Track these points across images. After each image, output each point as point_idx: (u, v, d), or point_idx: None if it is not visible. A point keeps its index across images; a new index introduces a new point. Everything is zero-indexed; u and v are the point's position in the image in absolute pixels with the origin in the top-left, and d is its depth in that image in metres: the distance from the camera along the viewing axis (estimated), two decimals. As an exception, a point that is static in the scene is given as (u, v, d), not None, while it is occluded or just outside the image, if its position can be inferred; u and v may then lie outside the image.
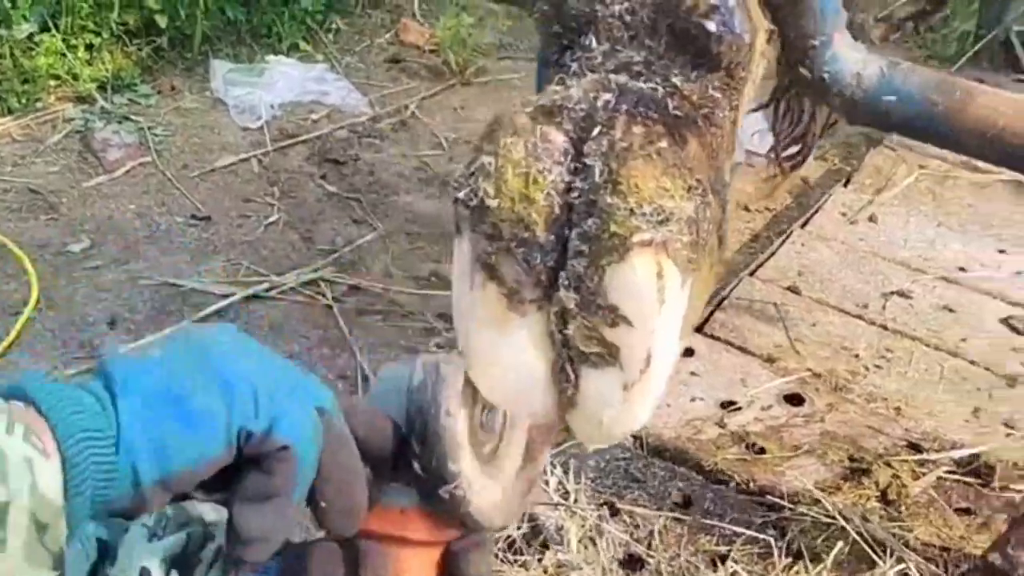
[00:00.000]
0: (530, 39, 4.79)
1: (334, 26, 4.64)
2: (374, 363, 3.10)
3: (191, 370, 0.92)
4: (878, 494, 2.66)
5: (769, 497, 2.62)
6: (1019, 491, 2.72)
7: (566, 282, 1.12)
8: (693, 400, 2.88)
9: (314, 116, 4.16)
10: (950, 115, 1.19)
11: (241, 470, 0.93)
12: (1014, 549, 2.29)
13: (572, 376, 1.15)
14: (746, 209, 3.86)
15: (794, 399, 2.94)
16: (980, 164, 3.99)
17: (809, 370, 3.02)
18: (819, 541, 2.50)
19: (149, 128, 3.98)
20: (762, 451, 2.76)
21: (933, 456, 2.77)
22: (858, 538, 2.45)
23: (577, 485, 2.58)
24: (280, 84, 4.23)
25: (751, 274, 3.40)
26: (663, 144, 1.10)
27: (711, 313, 3.19)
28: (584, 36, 1.17)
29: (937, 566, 2.47)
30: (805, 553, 2.47)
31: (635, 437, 2.78)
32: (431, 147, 4.07)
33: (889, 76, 1.21)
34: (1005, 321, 3.29)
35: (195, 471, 0.89)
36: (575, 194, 1.12)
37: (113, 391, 0.88)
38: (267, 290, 3.33)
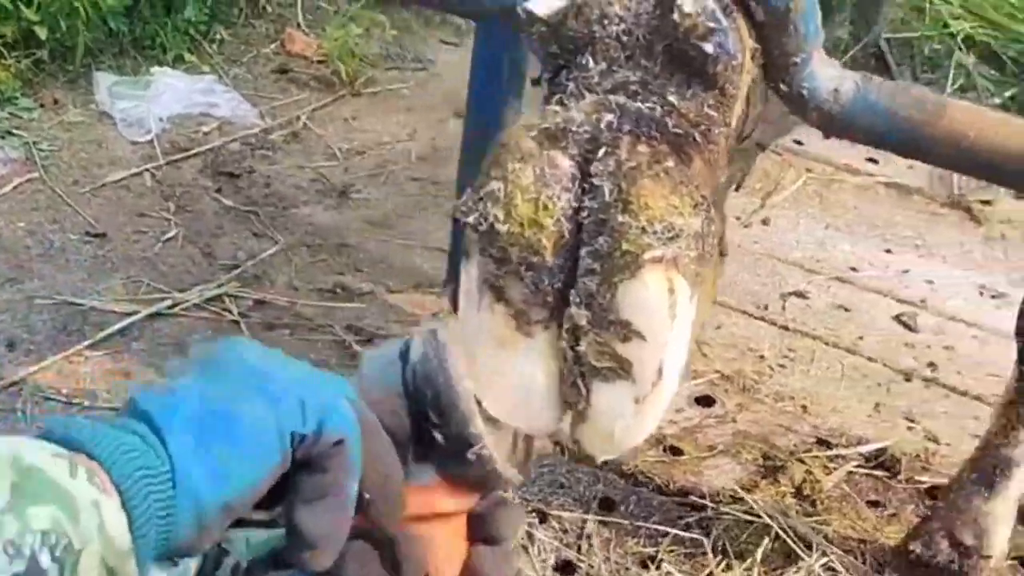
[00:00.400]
0: (416, 49, 4.80)
1: (218, 37, 4.57)
2: (286, 378, 3.07)
3: (228, 387, 0.91)
4: (793, 490, 2.75)
5: (691, 497, 2.68)
6: (923, 482, 2.84)
7: (577, 299, 1.15)
8: (609, 405, 2.92)
9: (205, 129, 4.10)
10: (923, 128, 1.25)
11: (291, 477, 0.93)
12: (934, 538, 2.39)
13: (584, 391, 1.18)
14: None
15: (705, 400, 3.01)
16: (862, 167, 4.14)
17: (718, 372, 3.10)
18: (743, 538, 2.57)
19: (34, 143, 3.87)
20: (679, 452, 2.83)
21: (842, 452, 2.87)
22: (782, 534, 2.53)
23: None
24: (167, 96, 4.15)
25: (654, 279, 3.46)
26: (669, 163, 1.13)
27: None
28: (581, 56, 1.20)
29: (855, 558, 2.56)
30: (730, 551, 2.54)
31: (556, 443, 2.81)
32: (326, 158, 4.05)
33: (864, 91, 1.27)
34: (897, 318, 3.42)
35: (256, 487, 0.89)
36: (584, 213, 1.14)
37: (156, 426, 0.87)
38: (170, 307, 3.27)
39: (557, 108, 1.19)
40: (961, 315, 3.46)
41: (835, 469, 2.83)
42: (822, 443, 2.91)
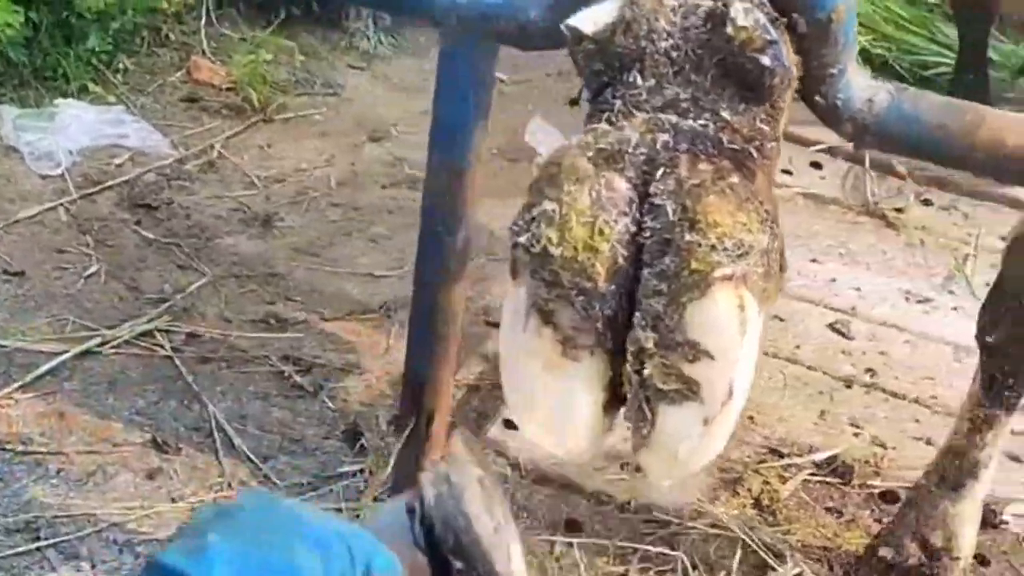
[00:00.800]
0: (325, 74, 4.74)
1: (122, 66, 4.44)
2: (227, 412, 3.00)
3: (264, 539, 0.89)
4: (753, 501, 2.77)
5: (655, 513, 2.68)
6: (876, 487, 2.88)
7: (643, 322, 1.13)
8: (562, 425, 2.90)
9: (117, 160, 3.97)
10: (960, 137, 1.25)
11: None
12: (903, 542, 2.42)
13: (649, 415, 1.16)
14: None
15: (655, 416, 3.01)
16: (778, 179, 4.20)
17: (665, 386, 3.10)
18: (712, 552, 2.57)
19: (-60, 180, 3.72)
20: (637, 468, 2.81)
21: (795, 461, 2.90)
22: (754, 545, 2.53)
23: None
24: (74, 128, 4.02)
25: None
26: (734, 179, 1.12)
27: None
28: (628, 73, 1.18)
29: (823, 565, 2.58)
30: (700, 565, 2.54)
31: (512, 465, 2.79)
32: (244, 187, 3.96)
33: (899, 101, 1.27)
34: (831, 326, 3.47)
35: None
36: (646, 234, 1.13)
37: None
38: (100, 345, 3.16)
39: (608, 127, 1.17)
40: (891, 321, 3.53)
41: (790, 478, 2.86)
42: (774, 453, 2.93)
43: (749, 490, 2.78)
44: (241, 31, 4.84)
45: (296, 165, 4.14)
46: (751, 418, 3.05)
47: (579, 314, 1.13)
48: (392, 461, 2.60)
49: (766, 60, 1.13)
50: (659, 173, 1.12)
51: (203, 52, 4.66)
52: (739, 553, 2.52)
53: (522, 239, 1.13)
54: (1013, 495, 2.87)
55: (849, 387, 3.23)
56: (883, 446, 3.01)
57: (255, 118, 4.34)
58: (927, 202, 4.27)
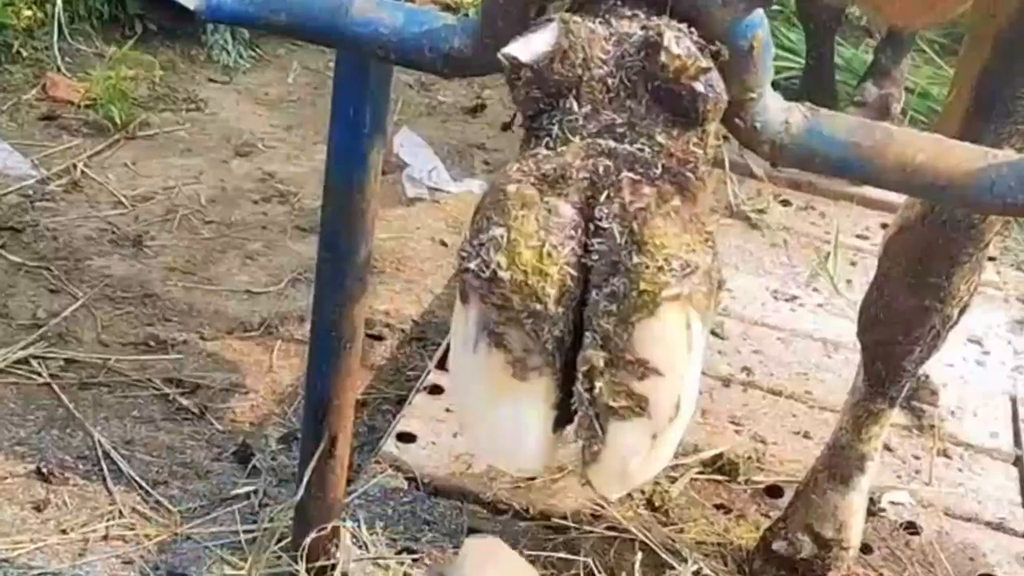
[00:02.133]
0: (186, 89, 4.67)
1: (-27, 84, 4.33)
2: (112, 438, 2.94)
3: None
4: (645, 501, 2.83)
5: (553, 519, 2.72)
6: (761, 482, 2.97)
7: (593, 342, 1.16)
8: (455, 436, 2.92)
9: (-25, 182, 3.86)
10: (872, 155, 1.31)
11: None
12: (796, 535, 2.50)
13: (599, 432, 1.19)
14: (443, 244, 3.96)
15: (544, 423, 3.05)
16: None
17: (552, 393, 3.14)
18: (612, 555, 2.63)
19: None
20: (531, 476, 2.85)
21: (682, 460, 2.97)
22: (653, 545, 2.59)
23: (373, 535, 2.58)
24: (-73, 150, 3.89)
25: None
26: (676, 202, 1.16)
27: (446, 348, 3.25)
28: (564, 99, 1.21)
29: (717, 561, 2.66)
30: (600, 568, 2.59)
31: (410, 479, 2.80)
32: (112, 206, 3.88)
33: (813, 122, 1.33)
34: (706, 327, 3.55)
35: None
36: (594, 256, 1.16)
37: None
38: (-27, 375, 3.07)
39: (548, 152, 1.20)
40: (762, 320, 3.65)
41: (679, 477, 2.93)
42: (661, 453, 2.99)
43: (642, 491, 2.83)
44: (96, 46, 4.75)
45: (164, 183, 4.08)
46: (637, 420, 3.11)
47: (529, 336, 1.16)
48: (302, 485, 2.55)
49: (700, 87, 1.18)
50: (603, 197, 1.15)
51: (58, 68, 4.56)
52: (639, 554, 2.58)
53: (472, 264, 1.15)
54: (888, 483, 3.00)
55: (727, 386, 3.33)
56: (763, 442, 3.11)
57: (118, 135, 4.26)
58: (786, 202, 4.44)
